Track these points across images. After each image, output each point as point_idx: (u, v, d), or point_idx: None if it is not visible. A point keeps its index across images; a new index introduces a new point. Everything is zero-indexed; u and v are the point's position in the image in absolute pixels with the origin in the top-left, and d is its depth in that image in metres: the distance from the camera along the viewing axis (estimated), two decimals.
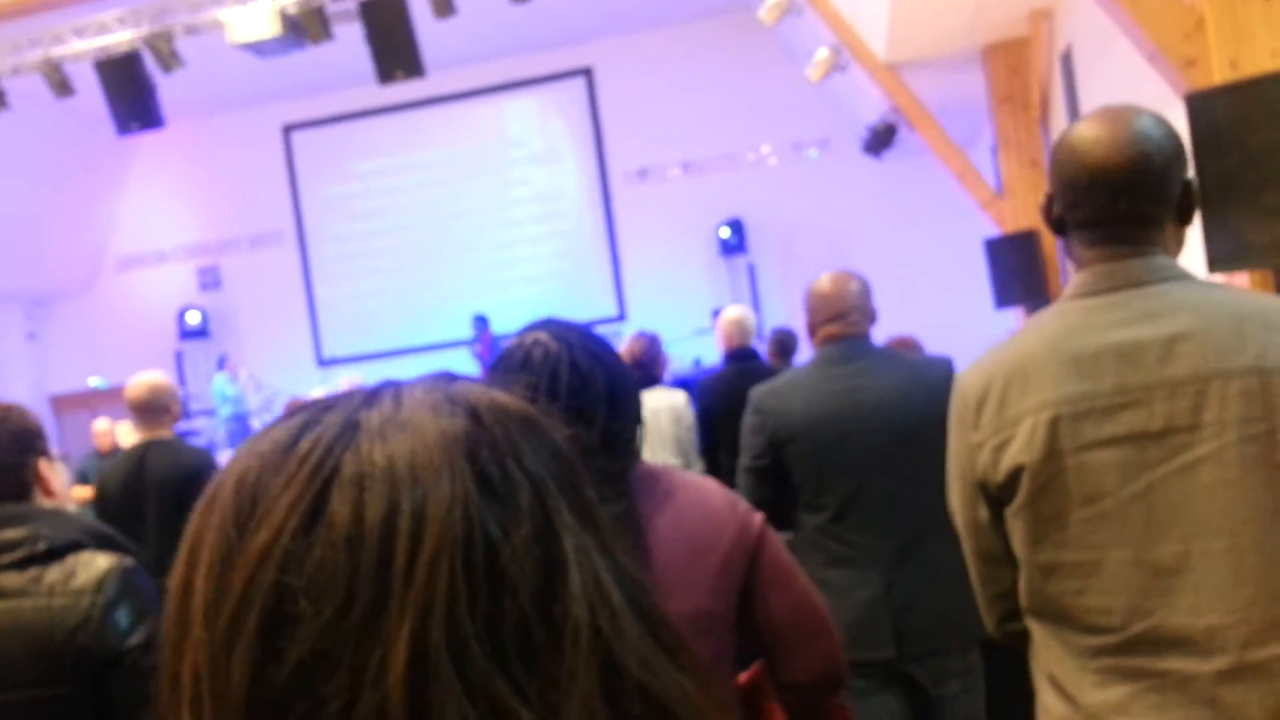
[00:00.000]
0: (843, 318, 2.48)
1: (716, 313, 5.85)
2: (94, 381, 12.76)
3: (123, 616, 1.57)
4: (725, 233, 11.72)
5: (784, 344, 5.61)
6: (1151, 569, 1.29)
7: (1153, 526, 1.29)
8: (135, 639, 1.57)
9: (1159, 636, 1.29)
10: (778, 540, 1.48)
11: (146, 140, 10.93)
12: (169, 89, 8.04)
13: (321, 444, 0.46)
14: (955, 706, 2.36)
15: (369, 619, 0.43)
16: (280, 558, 0.44)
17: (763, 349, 5.38)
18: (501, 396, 0.51)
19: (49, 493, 1.74)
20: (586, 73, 12.53)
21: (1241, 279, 3.29)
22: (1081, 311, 1.38)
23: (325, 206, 13.12)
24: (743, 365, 4.35)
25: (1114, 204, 1.37)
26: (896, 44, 6.64)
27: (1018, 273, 6.59)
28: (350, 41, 7.33)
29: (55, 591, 1.55)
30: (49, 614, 1.54)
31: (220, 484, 0.48)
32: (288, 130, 13.13)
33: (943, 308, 9.75)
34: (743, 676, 1.48)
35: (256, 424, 11.02)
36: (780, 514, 2.46)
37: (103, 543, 1.66)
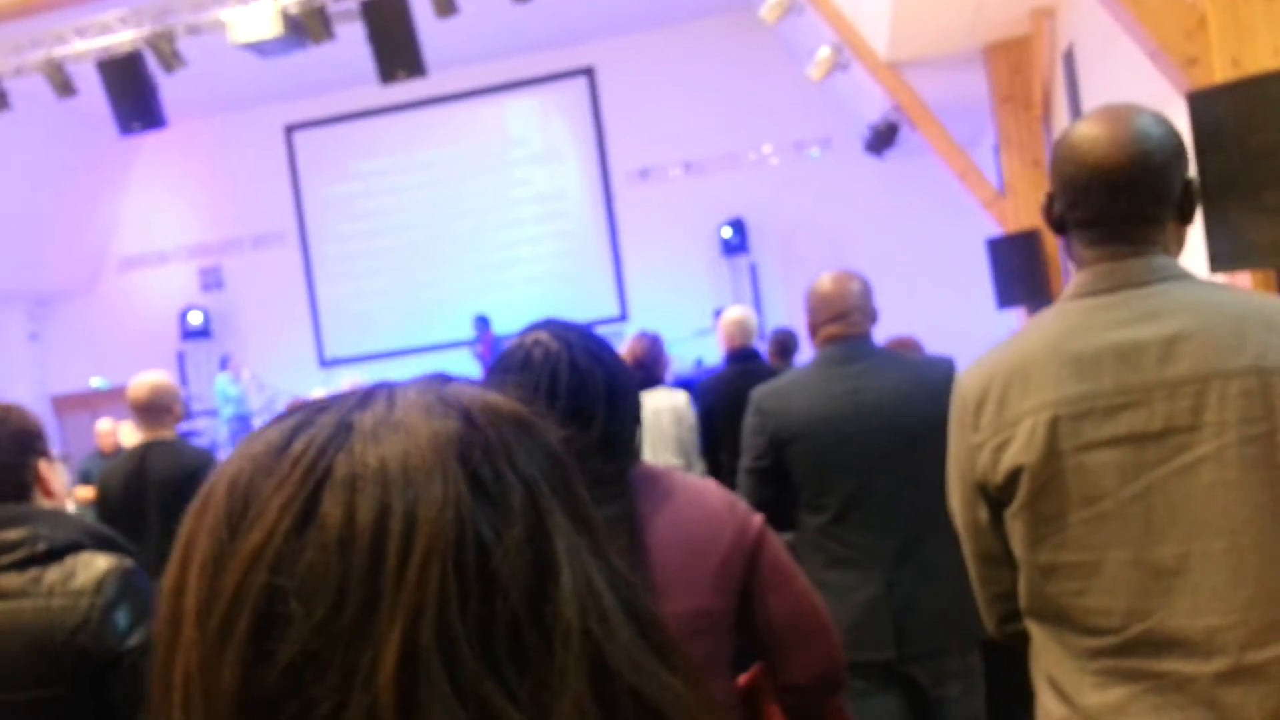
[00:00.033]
0: (844, 318, 2.48)
1: (718, 313, 5.85)
2: (96, 382, 12.78)
3: (122, 617, 1.57)
4: (727, 232, 11.72)
5: (784, 344, 5.61)
6: (1151, 570, 1.29)
7: (1152, 527, 1.29)
8: (135, 640, 1.57)
9: (1158, 638, 1.28)
10: (777, 541, 1.47)
11: (148, 140, 10.94)
12: (171, 89, 8.05)
13: (314, 445, 0.46)
14: (955, 708, 2.35)
15: (360, 620, 0.43)
16: (272, 559, 0.44)
17: (764, 349, 5.38)
18: (495, 398, 0.51)
19: (49, 493, 1.74)
20: (588, 72, 12.53)
21: (1243, 278, 3.28)
22: (1081, 312, 1.37)
23: (327, 206, 13.12)
24: (744, 365, 4.34)
25: (1114, 203, 1.37)
26: (898, 43, 6.63)
27: (1020, 272, 6.59)
28: (352, 41, 7.33)
29: (55, 592, 1.55)
30: (48, 615, 1.54)
31: (213, 485, 0.48)
32: (289, 130, 13.14)
33: (945, 307, 9.75)
34: (742, 678, 1.48)
35: (258, 424, 11.00)
36: (781, 514, 2.45)
37: (102, 543, 1.66)
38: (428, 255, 12.80)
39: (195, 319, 12.82)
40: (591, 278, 12.51)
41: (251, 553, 0.44)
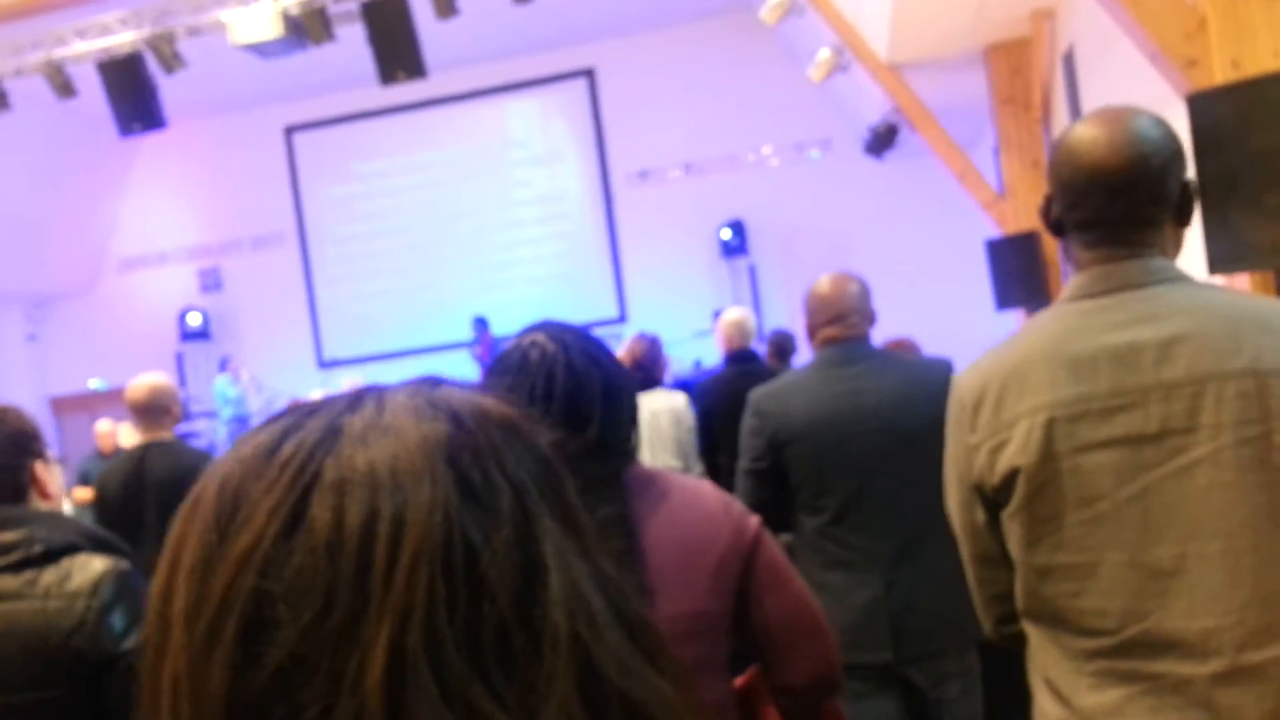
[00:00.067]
0: (842, 320, 2.48)
1: (717, 314, 5.85)
2: (94, 383, 12.78)
3: (118, 619, 1.57)
4: (726, 234, 11.71)
5: (781, 346, 5.61)
6: (1147, 571, 1.29)
7: (1148, 529, 1.29)
8: (131, 642, 1.57)
9: (1154, 639, 1.28)
10: (774, 543, 1.47)
11: (148, 141, 10.94)
12: (171, 90, 8.05)
13: (303, 449, 0.46)
14: (953, 709, 2.35)
15: (347, 624, 0.43)
16: (260, 563, 0.44)
17: (763, 350, 5.38)
18: (484, 401, 0.51)
19: (45, 495, 1.74)
20: (588, 74, 12.53)
21: (1242, 280, 3.28)
22: (1078, 314, 1.37)
23: (327, 208, 13.13)
24: (743, 367, 4.34)
25: (1112, 205, 1.37)
26: (898, 44, 6.64)
27: (1019, 274, 6.58)
28: (352, 42, 7.33)
29: (51, 594, 1.55)
30: (44, 617, 1.54)
31: (203, 488, 0.48)
32: (289, 131, 13.14)
33: (944, 309, 9.75)
34: (738, 680, 1.48)
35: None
36: (779, 516, 2.45)
37: (99, 545, 1.66)
38: (427, 256, 12.80)
39: (194, 320, 12.82)
40: (591, 279, 12.51)
41: (240, 556, 0.44)
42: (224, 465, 0.48)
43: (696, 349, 10.70)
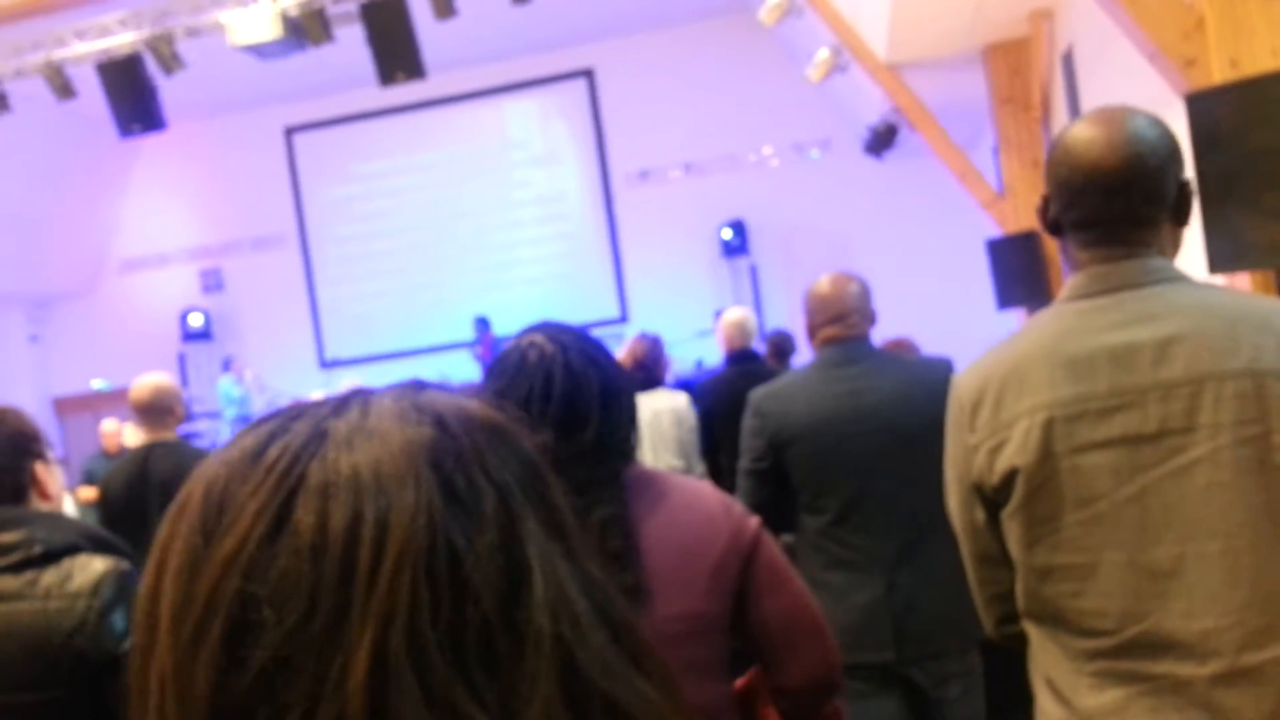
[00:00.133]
0: (842, 320, 2.48)
1: (719, 314, 5.85)
2: (97, 384, 12.79)
3: (119, 620, 1.57)
4: (727, 234, 11.71)
5: (780, 347, 5.61)
6: (1146, 572, 1.29)
7: (1147, 529, 1.29)
8: (131, 642, 1.57)
9: (1154, 640, 1.28)
10: (773, 544, 1.47)
11: (148, 142, 10.94)
12: (170, 91, 8.05)
13: (289, 452, 0.47)
14: (955, 709, 2.35)
15: (331, 627, 0.43)
16: (245, 565, 0.44)
17: (763, 350, 5.38)
18: (469, 405, 0.51)
19: (45, 496, 1.74)
20: (587, 74, 12.53)
21: (1242, 280, 3.28)
22: (1076, 314, 1.37)
23: (327, 208, 13.13)
24: (743, 367, 4.34)
25: (1109, 205, 1.37)
26: (897, 44, 6.63)
27: (1019, 274, 6.58)
28: (351, 43, 7.33)
29: (51, 595, 1.55)
30: (45, 617, 1.54)
31: (190, 491, 0.49)
32: (289, 132, 13.14)
33: (944, 309, 9.75)
34: (738, 682, 1.48)
35: None
36: (781, 516, 2.45)
37: (99, 546, 1.66)
38: (428, 257, 12.80)
39: (196, 321, 12.83)
40: (592, 279, 12.51)
41: (225, 559, 0.44)
42: (211, 468, 0.49)
43: (698, 349, 10.70)
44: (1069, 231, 1.43)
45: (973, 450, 1.40)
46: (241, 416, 11.40)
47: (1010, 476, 1.35)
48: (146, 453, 3.52)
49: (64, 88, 7.87)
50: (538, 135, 12.74)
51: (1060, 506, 1.33)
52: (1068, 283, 1.43)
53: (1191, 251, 1.98)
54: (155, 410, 3.55)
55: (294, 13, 7.14)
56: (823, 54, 7.89)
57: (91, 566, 1.59)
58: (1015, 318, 7.63)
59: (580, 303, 11.83)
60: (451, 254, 12.73)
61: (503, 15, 7.72)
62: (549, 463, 0.52)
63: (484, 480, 0.47)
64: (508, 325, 10.41)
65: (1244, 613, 1.25)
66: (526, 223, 12.71)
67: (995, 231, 6.97)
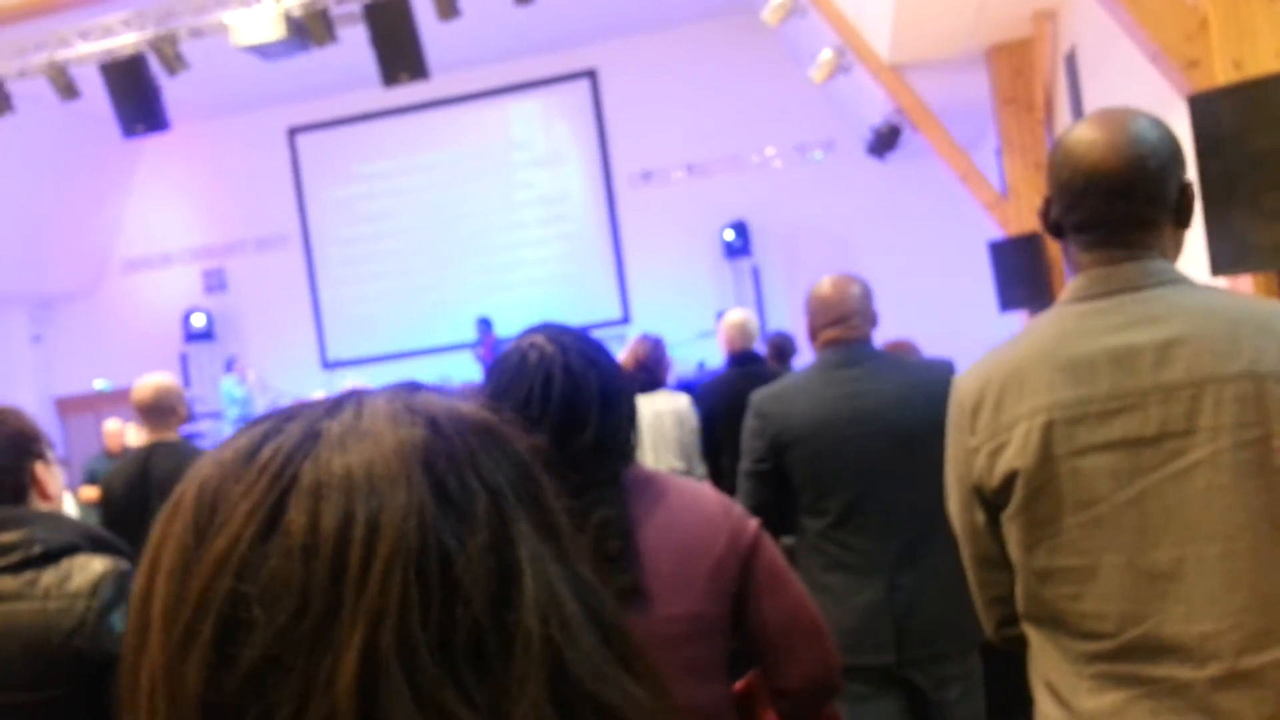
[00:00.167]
0: (843, 321, 2.47)
1: (720, 315, 5.86)
2: (99, 384, 12.80)
3: (118, 620, 1.57)
4: (729, 235, 11.71)
5: (781, 349, 5.61)
6: (1145, 575, 1.29)
7: (1147, 532, 1.29)
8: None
9: (1153, 643, 1.28)
10: (773, 546, 1.47)
11: (151, 143, 10.97)
12: (174, 91, 8.06)
13: (281, 453, 0.47)
14: (955, 711, 2.35)
15: (321, 627, 0.43)
16: (237, 565, 0.44)
17: (765, 352, 5.38)
18: (462, 406, 0.51)
19: (45, 496, 1.74)
20: (590, 75, 12.54)
21: (1245, 282, 3.27)
22: (1077, 316, 1.37)
23: (330, 209, 13.14)
24: (745, 368, 4.34)
25: (1110, 207, 1.37)
26: (900, 45, 6.63)
27: (1022, 275, 6.58)
28: (355, 44, 7.34)
29: (51, 595, 1.55)
30: (45, 617, 1.54)
31: (183, 491, 0.49)
32: (292, 133, 13.15)
33: (947, 310, 9.74)
34: (738, 685, 1.48)
35: None
36: (782, 518, 2.45)
37: (99, 546, 1.66)
38: (430, 257, 12.81)
39: (198, 321, 12.84)
40: (594, 280, 12.51)
41: (217, 559, 0.45)
42: (204, 469, 0.49)
43: (700, 350, 10.70)
44: (1070, 233, 1.42)
45: (973, 452, 1.40)
46: (244, 417, 11.40)
47: (1010, 479, 1.35)
48: (148, 453, 3.53)
49: (67, 88, 7.88)
50: (540, 136, 12.75)
51: (1060, 509, 1.32)
52: (1068, 285, 1.43)
53: (1193, 254, 1.97)
54: (157, 410, 3.56)
55: (297, 13, 7.15)
56: (826, 55, 7.89)
57: (91, 566, 1.59)
58: (1017, 320, 7.62)
59: (582, 303, 11.84)
60: (454, 255, 12.74)
61: (506, 16, 7.72)
62: (545, 464, 0.52)
63: (476, 482, 0.48)
64: (510, 326, 10.41)
65: (1243, 616, 1.25)
66: (529, 223, 12.72)
67: (998, 233, 6.97)
